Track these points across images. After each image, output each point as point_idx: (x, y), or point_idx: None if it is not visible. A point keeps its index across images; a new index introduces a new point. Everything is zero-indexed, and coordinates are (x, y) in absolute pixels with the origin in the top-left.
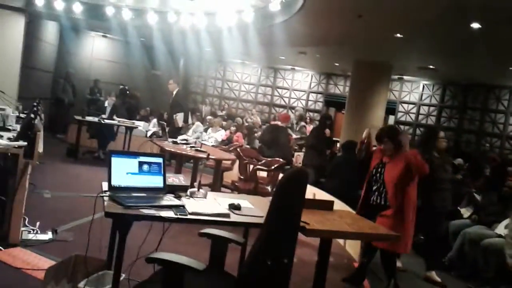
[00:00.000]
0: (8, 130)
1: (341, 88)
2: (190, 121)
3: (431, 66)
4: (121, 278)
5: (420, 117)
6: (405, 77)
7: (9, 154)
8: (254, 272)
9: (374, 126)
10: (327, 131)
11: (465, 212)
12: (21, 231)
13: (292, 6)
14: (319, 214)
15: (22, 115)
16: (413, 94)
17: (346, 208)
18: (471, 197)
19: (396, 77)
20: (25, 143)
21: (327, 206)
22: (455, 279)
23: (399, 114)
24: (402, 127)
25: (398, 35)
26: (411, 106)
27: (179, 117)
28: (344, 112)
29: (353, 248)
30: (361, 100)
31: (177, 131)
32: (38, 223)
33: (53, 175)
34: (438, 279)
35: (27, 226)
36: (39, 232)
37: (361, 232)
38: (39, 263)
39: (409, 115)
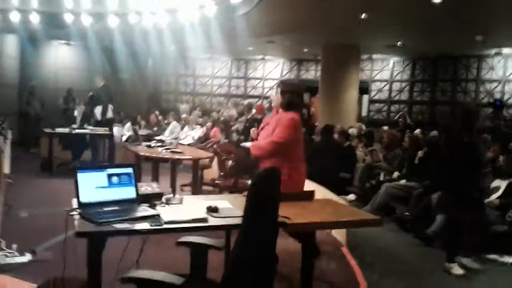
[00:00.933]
0: None
1: (312, 73)
2: (109, 114)
3: (398, 43)
4: None
5: (393, 93)
6: (374, 56)
7: None
8: (237, 275)
9: None
10: (304, 112)
11: None
12: None
13: None
14: (299, 206)
15: None
16: (384, 72)
17: (329, 194)
18: None
19: (365, 56)
20: None
21: (306, 196)
22: (440, 251)
23: (373, 93)
24: (376, 105)
25: (363, 15)
26: (383, 83)
27: (97, 110)
28: (319, 96)
29: (339, 233)
30: (333, 83)
31: (100, 124)
32: (15, 246)
33: (28, 192)
34: (460, 272)
35: (4, 250)
36: (17, 254)
37: (342, 220)
38: None
39: (382, 93)
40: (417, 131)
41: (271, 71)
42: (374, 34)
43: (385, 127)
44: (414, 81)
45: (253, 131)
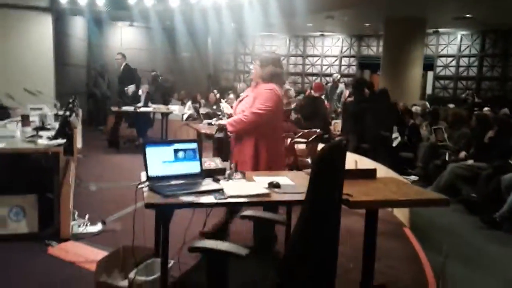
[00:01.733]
0: (48, 129)
1: (374, 49)
2: (140, 92)
3: (467, 15)
4: (170, 264)
5: (461, 69)
6: (440, 30)
7: (50, 152)
8: (299, 251)
9: None
10: (366, 91)
11: None
12: (71, 226)
13: None
14: (362, 184)
15: (60, 112)
16: (451, 46)
17: (391, 173)
18: None
19: (431, 31)
20: (64, 141)
21: (369, 174)
22: (508, 235)
23: (438, 69)
24: (442, 82)
25: None
26: (450, 59)
27: (131, 89)
28: (380, 73)
29: (401, 213)
30: (396, 59)
31: (134, 101)
32: (87, 216)
33: (96, 167)
34: None
35: (77, 220)
36: (88, 224)
37: (407, 199)
38: (91, 255)
39: (448, 69)
40: (486, 109)
41: (330, 47)
42: (441, 6)
43: (451, 105)
44: (483, 56)
45: (227, 107)
